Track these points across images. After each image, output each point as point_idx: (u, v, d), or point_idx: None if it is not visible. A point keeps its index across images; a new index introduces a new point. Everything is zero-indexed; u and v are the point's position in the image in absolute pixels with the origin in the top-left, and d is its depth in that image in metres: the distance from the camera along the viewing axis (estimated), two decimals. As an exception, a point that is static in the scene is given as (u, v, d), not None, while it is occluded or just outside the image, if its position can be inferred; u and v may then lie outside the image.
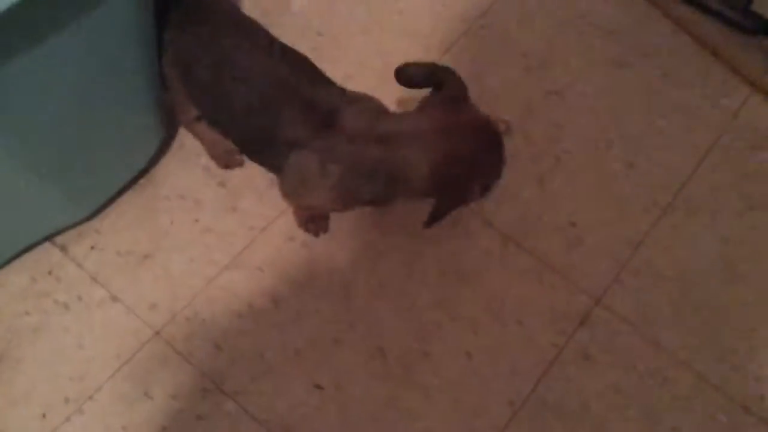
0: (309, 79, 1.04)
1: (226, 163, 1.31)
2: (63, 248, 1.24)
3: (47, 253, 1.24)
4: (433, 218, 1.02)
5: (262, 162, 1.15)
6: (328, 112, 1.01)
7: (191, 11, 1.09)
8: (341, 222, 1.27)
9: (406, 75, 1.01)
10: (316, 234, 1.27)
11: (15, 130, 0.98)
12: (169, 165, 1.32)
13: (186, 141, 1.34)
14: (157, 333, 1.18)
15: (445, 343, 1.18)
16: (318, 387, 1.14)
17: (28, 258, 1.23)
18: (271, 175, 1.29)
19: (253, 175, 1.31)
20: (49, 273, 1.22)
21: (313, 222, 1.26)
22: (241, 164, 1.32)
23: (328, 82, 1.06)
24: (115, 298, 1.20)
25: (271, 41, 1.08)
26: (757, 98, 1.40)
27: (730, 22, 1.46)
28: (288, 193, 1.13)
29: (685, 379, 1.15)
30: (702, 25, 1.47)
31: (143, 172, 1.30)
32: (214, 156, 1.31)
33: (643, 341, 1.18)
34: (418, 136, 0.98)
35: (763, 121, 1.38)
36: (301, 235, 1.27)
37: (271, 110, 1.02)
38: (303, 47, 1.11)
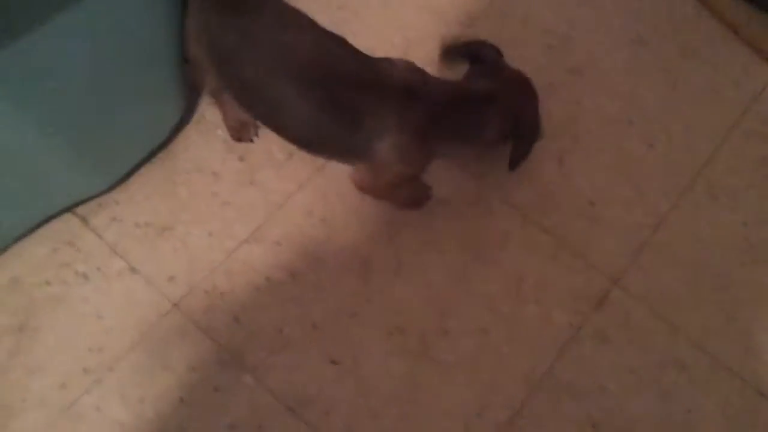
0: (363, 61, 1.09)
1: (240, 135, 1.31)
2: (83, 219, 1.24)
3: (68, 224, 1.24)
4: (517, 159, 1.18)
5: (329, 155, 1.18)
6: (400, 85, 1.07)
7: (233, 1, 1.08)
8: (359, 198, 1.27)
9: (452, 53, 1.20)
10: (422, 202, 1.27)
11: (38, 100, 0.98)
12: (188, 138, 1.32)
13: (206, 114, 1.34)
14: (176, 305, 1.18)
15: (462, 320, 1.18)
16: (335, 362, 1.15)
17: (48, 229, 1.23)
18: (289, 149, 1.29)
19: (271, 149, 1.31)
20: (70, 244, 1.22)
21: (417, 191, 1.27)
22: (252, 138, 1.31)
23: (374, 59, 1.10)
24: (134, 270, 1.21)
25: (319, 31, 1.09)
26: (780, 80, 1.39)
27: (755, 1, 1.45)
28: (380, 173, 1.13)
29: (701, 361, 1.15)
30: (725, 4, 1.46)
31: (163, 144, 1.30)
32: (229, 126, 1.31)
33: (659, 323, 1.18)
34: (491, 94, 1.11)
35: (786, 103, 1.37)
36: (319, 209, 1.27)
37: (345, 103, 1.05)
38: (323, 21, 1.10)
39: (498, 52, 1.17)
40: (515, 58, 1.19)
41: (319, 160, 1.30)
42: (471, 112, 1.10)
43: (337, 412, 1.12)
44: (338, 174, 1.29)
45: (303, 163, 1.30)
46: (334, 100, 1.05)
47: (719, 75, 1.39)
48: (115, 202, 1.26)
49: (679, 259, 1.24)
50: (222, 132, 1.32)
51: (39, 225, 1.22)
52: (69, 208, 1.24)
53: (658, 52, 1.41)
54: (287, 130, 1.12)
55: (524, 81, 1.16)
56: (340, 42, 1.09)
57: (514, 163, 1.19)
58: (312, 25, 1.09)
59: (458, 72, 1.18)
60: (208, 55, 1.10)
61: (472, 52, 1.17)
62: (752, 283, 1.22)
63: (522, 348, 1.17)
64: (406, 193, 1.26)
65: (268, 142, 1.32)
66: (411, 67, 1.11)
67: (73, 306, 1.18)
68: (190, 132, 1.33)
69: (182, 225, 1.25)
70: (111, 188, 1.25)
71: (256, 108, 1.13)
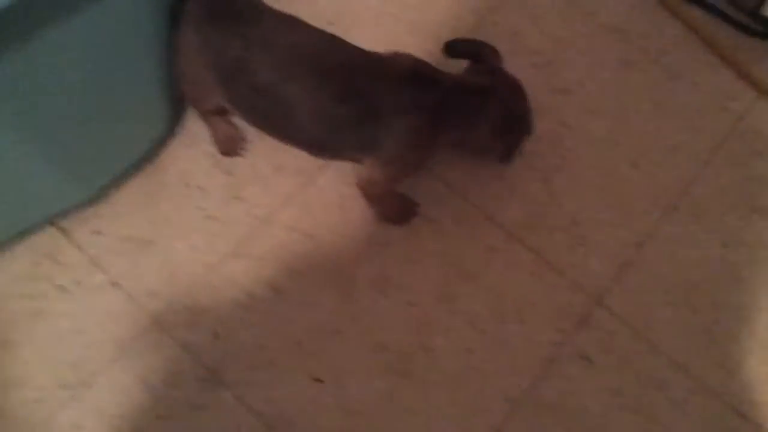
0: (370, 54, 1.13)
1: (229, 150, 1.30)
2: (65, 232, 1.23)
3: (49, 237, 1.23)
4: (509, 151, 1.22)
5: (339, 153, 1.18)
6: (410, 73, 1.11)
7: (232, 12, 1.09)
8: (345, 213, 1.27)
9: (453, 48, 1.21)
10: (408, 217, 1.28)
11: (22, 110, 0.97)
12: (175, 151, 1.31)
13: (193, 128, 1.33)
14: (156, 321, 1.17)
15: (445, 338, 1.18)
16: (317, 380, 1.14)
17: (29, 241, 1.22)
18: (275, 163, 1.29)
19: (258, 164, 1.31)
20: (50, 257, 1.21)
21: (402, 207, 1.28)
22: (241, 153, 1.31)
23: (380, 53, 1.14)
24: (115, 284, 1.20)
25: (321, 31, 1.12)
26: (763, 103, 1.39)
27: (739, 26, 1.46)
28: (390, 164, 1.15)
29: (683, 383, 1.15)
30: (711, 28, 1.47)
31: (149, 158, 1.29)
32: (218, 142, 1.30)
33: (642, 343, 1.18)
34: (487, 88, 1.14)
35: (767, 127, 1.38)
36: (304, 225, 1.26)
37: (360, 93, 1.08)
38: (313, 37, 1.11)
39: (496, 54, 1.20)
40: (502, 78, 1.21)
41: (305, 175, 1.29)
42: (471, 103, 1.14)
43: (319, 431, 1.11)
44: (324, 189, 1.29)
45: (289, 178, 1.30)
46: (348, 90, 1.08)
47: (704, 98, 1.40)
48: (98, 215, 1.25)
49: (662, 280, 1.24)
50: (209, 146, 1.31)
51: (20, 237, 1.21)
52: (50, 220, 1.23)
53: (644, 74, 1.42)
54: (300, 132, 1.13)
55: (517, 84, 1.19)
56: (343, 40, 1.13)
57: (505, 156, 1.22)
58: (312, 27, 1.12)
59: (457, 68, 1.19)
60: (212, 72, 1.10)
61: (472, 51, 1.21)
62: (732, 304, 1.22)
63: (505, 367, 1.16)
64: (394, 207, 1.27)
65: (255, 157, 1.31)
66: (417, 59, 1.14)
67: (52, 320, 1.17)
68: (177, 146, 1.32)
69: (165, 239, 1.24)
70: (94, 201, 1.24)
71: (268, 117, 1.14)
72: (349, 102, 1.08)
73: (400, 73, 1.10)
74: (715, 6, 1.48)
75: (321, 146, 1.16)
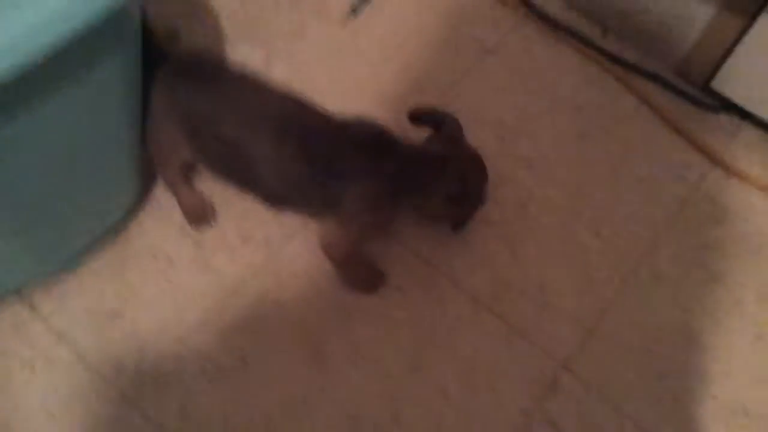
0: (331, 117, 1.15)
1: (198, 222, 1.31)
2: (31, 305, 1.22)
3: (14, 309, 1.21)
4: (460, 222, 1.26)
5: (298, 208, 1.21)
6: (369, 138, 1.14)
7: (200, 72, 1.14)
8: (313, 283, 1.28)
9: (416, 116, 1.24)
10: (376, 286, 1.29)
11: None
12: (143, 223, 1.32)
13: (162, 199, 1.34)
14: (124, 395, 1.15)
15: (417, 409, 1.18)
16: (288, 453, 1.13)
17: (-7, 314, 1.20)
18: (243, 233, 1.30)
19: (226, 233, 1.31)
20: (15, 330, 1.19)
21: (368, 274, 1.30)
22: (213, 221, 1.32)
23: (342, 116, 1.16)
24: (81, 358, 1.18)
25: (283, 91, 1.15)
26: (717, 173, 1.45)
27: (691, 99, 1.53)
28: (349, 224, 1.18)
29: (652, 448, 1.17)
30: (664, 100, 1.54)
31: (117, 229, 1.29)
32: (187, 212, 1.31)
33: (609, 410, 1.20)
34: (443, 158, 1.17)
35: (723, 195, 1.43)
36: (273, 294, 1.26)
37: (318, 153, 1.11)
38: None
39: (457, 124, 1.23)
40: (467, 150, 1.24)
41: (273, 245, 1.30)
42: (428, 171, 1.16)
43: (289, 505, 1.09)
44: (292, 259, 1.30)
45: (257, 247, 1.30)
46: (308, 150, 1.11)
47: (660, 167, 1.46)
48: (64, 286, 1.24)
49: (626, 345, 1.26)
50: (178, 216, 1.32)
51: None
52: (15, 292, 1.21)
53: (601, 146, 1.48)
54: (263, 187, 1.16)
55: (475, 155, 1.22)
56: (306, 101, 1.16)
57: (458, 225, 1.26)
58: (278, 88, 1.15)
59: (419, 137, 1.22)
60: (180, 126, 1.13)
61: (434, 120, 1.23)
62: (695, 369, 1.25)
63: (475, 437, 1.17)
64: (360, 274, 1.28)
65: (223, 226, 1.32)
66: (380, 126, 1.17)
67: (17, 398, 1.14)
68: (145, 217, 1.32)
69: (133, 311, 1.23)
70: (61, 272, 1.23)
71: (232, 169, 1.16)
72: (309, 163, 1.10)
73: (361, 139, 1.14)
74: (666, 80, 1.55)
75: (281, 200, 1.19)
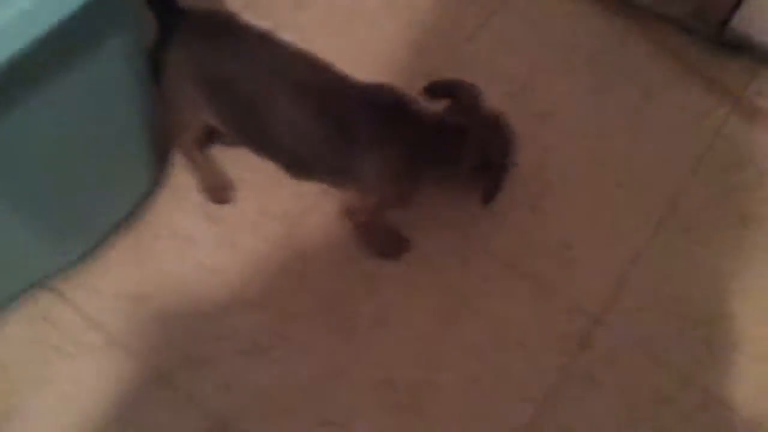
0: (353, 81, 1.13)
1: (218, 198, 1.30)
2: (60, 294, 1.21)
3: (44, 300, 1.21)
4: (488, 193, 1.19)
5: (318, 175, 1.19)
6: (389, 104, 1.12)
7: (218, 31, 1.11)
8: (335, 252, 1.27)
9: (433, 89, 1.21)
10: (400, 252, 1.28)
11: (6, 176, 0.96)
12: (161, 203, 1.31)
13: (179, 179, 1.33)
14: (161, 375, 1.16)
15: (450, 370, 1.18)
16: (327, 423, 1.13)
17: (24, 305, 1.20)
18: (262, 208, 1.29)
19: (245, 209, 1.31)
20: (47, 320, 1.19)
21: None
22: (232, 199, 1.31)
23: (363, 82, 1.14)
24: (113, 342, 1.18)
25: (302, 52, 1.13)
26: (737, 115, 1.43)
27: (708, 40, 1.50)
28: (370, 191, 1.17)
29: (691, 395, 1.16)
30: (681, 44, 1.51)
31: (137, 212, 1.28)
32: (206, 189, 1.30)
33: (646, 359, 1.19)
34: (462, 129, 1.14)
35: (746, 137, 1.41)
36: (298, 267, 1.26)
37: (338, 117, 1.09)
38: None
39: (475, 93, 1.20)
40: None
41: (293, 217, 1.29)
42: (449, 142, 1.13)
43: (331, 474, 1.10)
44: (313, 230, 1.29)
45: (278, 222, 1.30)
46: (327, 112, 1.09)
47: (681, 113, 1.44)
48: (91, 273, 1.23)
49: (658, 294, 1.25)
50: (196, 196, 1.31)
51: (13, 302, 1.19)
52: (43, 283, 1.21)
53: (618, 95, 1.45)
54: (283, 151, 1.14)
55: (497, 121, 1.19)
56: (327, 63, 1.14)
57: (486, 197, 1.20)
58: (297, 47, 1.13)
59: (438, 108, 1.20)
60: (199, 87, 1.11)
61: (451, 90, 1.20)
62: (732, 312, 1.24)
63: (512, 395, 1.16)
64: (382, 240, 1.27)
65: (241, 203, 1.31)
66: (400, 92, 1.15)
67: (55, 386, 1.14)
68: (164, 198, 1.31)
69: (160, 293, 1.23)
70: (86, 260, 1.23)
71: (252, 131, 1.15)
72: (326, 125, 1.09)
73: (379, 105, 1.11)
74: (682, 22, 1.51)
75: (301, 165, 1.17)
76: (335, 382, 1.16)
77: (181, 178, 1.33)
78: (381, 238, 1.27)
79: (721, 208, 1.33)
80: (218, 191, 1.30)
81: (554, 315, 1.23)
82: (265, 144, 1.16)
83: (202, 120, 1.18)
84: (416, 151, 1.12)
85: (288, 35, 1.35)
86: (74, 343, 1.17)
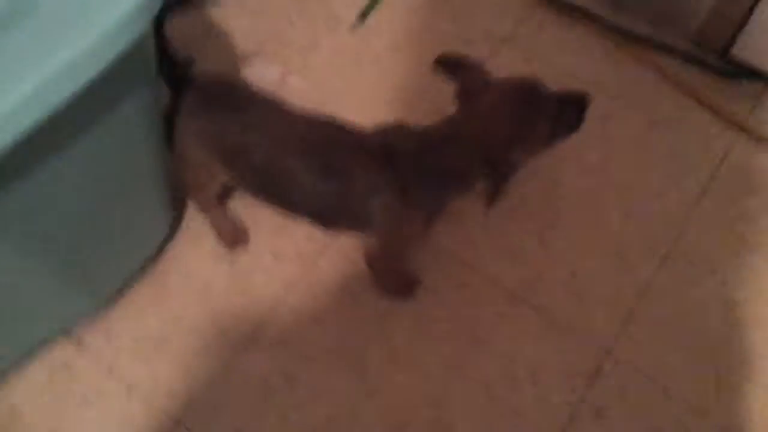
0: (350, 129, 1.13)
1: (233, 243, 1.34)
2: (78, 341, 1.25)
3: (63, 347, 1.24)
4: (489, 199, 1.09)
5: (341, 226, 1.19)
6: (378, 145, 1.10)
7: (226, 98, 1.14)
8: (348, 293, 1.30)
9: (442, 64, 1.15)
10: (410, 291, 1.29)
11: (29, 233, 1.00)
12: (176, 249, 1.34)
13: (193, 225, 1.36)
14: (177, 421, 1.19)
15: (462, 409, 1.19)
16: (340, 464, 1.15)
17: (44, 353, 1.24)
18: (276, 250, 1.32)
19: (259, 252, 1.34)
20: (66, 367, 1.23)
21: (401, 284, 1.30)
22: (246, 242, 1.34)
23: (359, 129, 1.14)
24: (132, 388, 1.21)
25: (307, 112, 1.14)
26: (743, 141, 1.44)
27: (711, 69, 1.51)
28: (386, 241, 1.17)
29: (703, 428, 1.17)
30: (684, 73, 1.52)
31: (153, 258, 1.32)
32: (221, 235, 1.34)
33: (655, 391, 1.20)
34: (451, 134, 1.09)
35: (752, 163, 1.41)
36: (309, 309, 1.28)
37: (339, 169, 1.09)
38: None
39: (479, 75, 1.12)
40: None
41: (306, 259, 1.32)
42: (438, 158, 1.08)
43: None
44: (326, 271, 1.32)
45: (290, 263, 1.33)
46: (331, 167, 1.09)
47: (686, 142, 1.44)
48: (108, 320, 1.27)
49: (666, 324, 1.26)
50: (211, 240, 1.34)
51: (33, 351, 1.23)
52: (63, 331, 1.25)
53: (624, 125, 1.47)
54: (301, 207, 1.16)
55: (502, 102, 1.10)
56: (331, 118, 1.14)
57: (487, 203, 1.10)
58: (300, 108, 1.15)
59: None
60: (214, 154, 1.14)
61: (455, 72, 1.14)
62: (740, 343, 1.24)
63: (524, 432, 1.18)
64: (396, 280, 1.29)
65: (257, 246, 1.34)
66: (392, 126, 1.13)
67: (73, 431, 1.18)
68: (178, 243, 1.35)
69: (178, 337, 1.26)
70: (104, 307, 1.27)
71: (271, 192, 1.17)
72: (332, 178, 1.10)
73: (372, 148, 1.10)
74: (684, 51, 1.53)
75: (324, 218, 1.18)
76: (348, 424, 1.18)
77: (197, 223, 1.36)
78: (393, 279, 1.30)
79: (728, 236, 1.34)
80: (233, 236, 1.33)
81: (564, 349, 1.24)
82: (285, 203, 1.18)
83: (219, 181, 1.21)
84: (418, 185, 1.09)
85: (298, 77, 1.38)
86: (91, 390, 1.21)
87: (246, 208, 1.36)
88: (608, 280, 1.31)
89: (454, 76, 1.14)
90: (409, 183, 1.09)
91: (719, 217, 1.36)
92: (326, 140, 1.13)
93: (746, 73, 1.49)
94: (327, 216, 1.16)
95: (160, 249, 1.33)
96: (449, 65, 1.15)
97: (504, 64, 1.54)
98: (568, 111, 1.16)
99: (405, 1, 1.65)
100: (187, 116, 1.13)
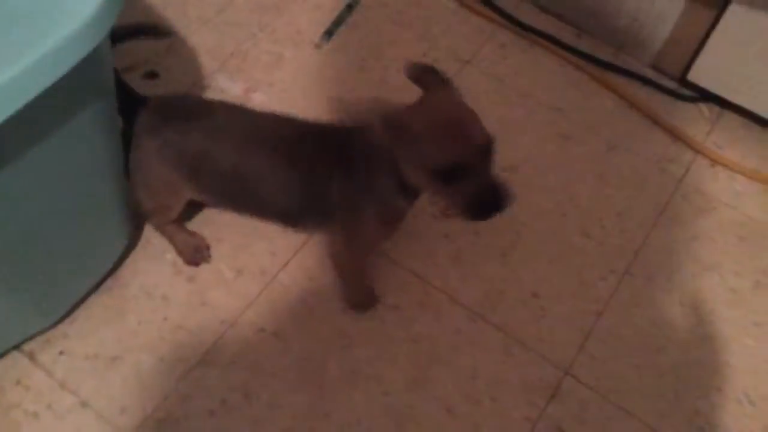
0: (310, 125, 1.12)
1: (194, 259, 1.32)
2: (31, 356, 1.22)
3: (15, 362, 1.21)
4: (475, 207, 0.97)
5: (308, 224, 1.18)
6: (341, 139, 1.08)
7: (184, 111, 1.13)
8: (309, 309, 1.29)
9: (410, 72, 1.02)
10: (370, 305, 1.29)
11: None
12: (135, 263, 1.32)
13: (152, 238, 1.35)
14: (131, 438, 1.16)
15: (422, 426, 1.19)
16: (297, 481, 1.14)
17: (-6, 369, 1.21)
18: (237, 265, 1.31)
19: (220, 268, 1.32)
20: (18, 383, 1.19)
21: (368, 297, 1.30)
22: (207, 259, 1.33)
23: (321, 123, 1.12)
24: (85, 404, 1.18)
25: (268, 111, 1.14)
26: (700, 163, 1.47)
27: (668, 92, 1.55)
28: (347, 236, 1.15)
29: (659, 445, 1.18)
30: (642, 97, 1.55)
31: (110, 272, 1.30)
32: (182, 253, 1.32)
33: (612, 409, 1.21)
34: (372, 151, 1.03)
35: (708, 184, 1.44)
36: (270, 325, 1.27)
37: (300, 164, 1.08)
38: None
39: (443, 86, 1.03)
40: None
41: (267, 274, 1.31)
42: (379, 157, 1.02)
43: None
44: (287, 286, 1.31)
45: (251, 278, 1.31)
46: (294, 160, 1.09)
47: (644, 163, 1.47)
48: (63, 335, 1.24)
49: (625, 344, 1.27)
50: (169, 255, 1.33)
51: (-16, 368, 1.20)
52: (15, 346, 1.22)
53: (584, 146, 1.49)
54: (268, 207, 1.15)
55: (451, 116, 0.99)
56: (293, 116, 1.14)
57: (474, 211, 0.97)
58: (257, 110, 1.15)
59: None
60: (178, 171, 1.13)
61: (420, 79, 1.03)
62: (696, 361, 1.25)
63: (482, 448, 1.18)
64: (360, 289, 1.29)
65: (216, 261, 1.33)
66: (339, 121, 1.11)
67: (23, 448, 1.15)
68: (138, 257, 1.33)
69: (133, 353, 1.24)
70: (58, 322, 1.24)
71: (238, 197, 1.16)
72: (295, 171, 1.09)
73: (333, 141, 1.08)
74: (643, 75, 1.56)
75: (291, 217, 1.16)
76: (306, 441, 1.17)
77: (155, 237, 1.34)
78: (360, 288, 1.29)
79: (684, 256, 1.36)
80: (194, 253, 1.32)
81: (524, 367, 1.24)
82: (252, 206, 1.18)
83: (183, 199, 1.20)
84: (371, 177, 1.04)
85: (261, 94, 1.38)
86: (45, 407, 1.18)
87: (208, 225, 1.35)
88: (568, 299, 1.32)
89: (421, 84, 1.03)
90: (360, 176, 1.05)
91: (676, 237, 1.38)
92: (289, 135, 1.12)
93: (702, 96, 1.53)
94: (294, 214, 1.15)
95: (119, 263, 1.31)
96: (412, 74, 1.03)
97: (466, 84, 1.56)
98: (480, 188, 0.96)
99: (370, 21, 1.67)
100: (146, 135, 1.12)
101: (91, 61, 0.88)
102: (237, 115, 1.15)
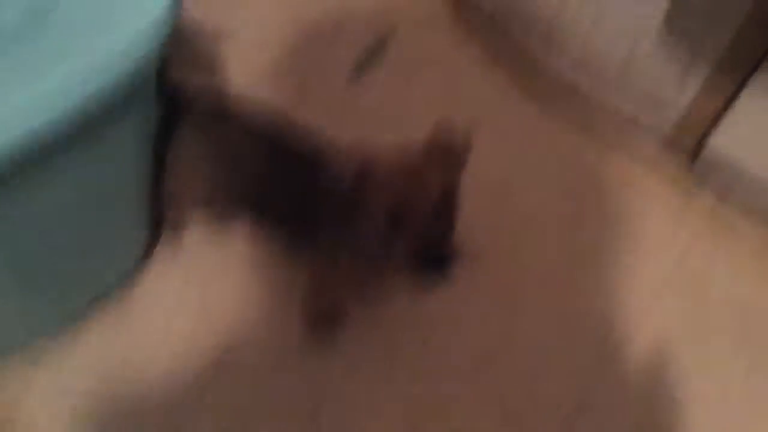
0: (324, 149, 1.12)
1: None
2: (35, 361, 1.21)
3: (20, 366, 1.21)
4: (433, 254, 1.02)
5: (322, 245, 1.15)
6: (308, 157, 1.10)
7: (226, 109, 1.16)
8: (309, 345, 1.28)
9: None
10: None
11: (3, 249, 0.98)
12: (146, 274, 1.32)
13: (164, 249, 1.35)
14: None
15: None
16: None
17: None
18: (205, 302, 1.32)
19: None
20: (22, 387, 1.19)
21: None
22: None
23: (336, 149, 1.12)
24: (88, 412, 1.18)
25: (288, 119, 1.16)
26: (702, 243, 1.46)
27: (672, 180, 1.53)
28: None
29: None
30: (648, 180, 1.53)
31: (122, 283, 1.30)
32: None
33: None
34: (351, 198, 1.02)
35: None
36: (269, 360, 1.26)
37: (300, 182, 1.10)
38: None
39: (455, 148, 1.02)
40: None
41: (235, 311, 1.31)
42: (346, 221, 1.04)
43: None
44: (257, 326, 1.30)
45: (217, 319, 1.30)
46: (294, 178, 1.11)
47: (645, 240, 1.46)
48: (68, 341, 1.24)
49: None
50: (180, 266, 1.33)
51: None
52: (21, 349, 1.21)
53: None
54: (284, 216, 1.16)
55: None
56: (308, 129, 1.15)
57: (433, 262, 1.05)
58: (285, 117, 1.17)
59: None
60: (208, 166, 1.16)
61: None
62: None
63: None
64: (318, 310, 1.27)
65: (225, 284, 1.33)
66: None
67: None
68: (150, 266, 1.33)
69: (138, 362, 1.23)
70: (65, 327, 1.24)
71: (256, 200, 1.18)
72: (295, 187, 1.12)
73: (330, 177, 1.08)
74: (652, 157, 1.55)
75: (302, 234, 1.17)
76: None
77: (168, 248, 1.35)
78: (320, 307, 1.26)
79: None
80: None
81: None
82: (265, 208, 1.19)
83: (218, 201, 1.23)
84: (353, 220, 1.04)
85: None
86: (47, 413, 1.17)
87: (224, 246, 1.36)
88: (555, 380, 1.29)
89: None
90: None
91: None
92: (297, 151, 1.13)
93: (709, 181, 1.51)
94: (309, 229, 1.14)
95: (132, 273, 1.31)
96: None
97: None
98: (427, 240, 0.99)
99: (404, 62, 1.66)
100: (187, 138, 1.15)
101: (147, 65, 0.91)
102: (263, 120, 1.16)
